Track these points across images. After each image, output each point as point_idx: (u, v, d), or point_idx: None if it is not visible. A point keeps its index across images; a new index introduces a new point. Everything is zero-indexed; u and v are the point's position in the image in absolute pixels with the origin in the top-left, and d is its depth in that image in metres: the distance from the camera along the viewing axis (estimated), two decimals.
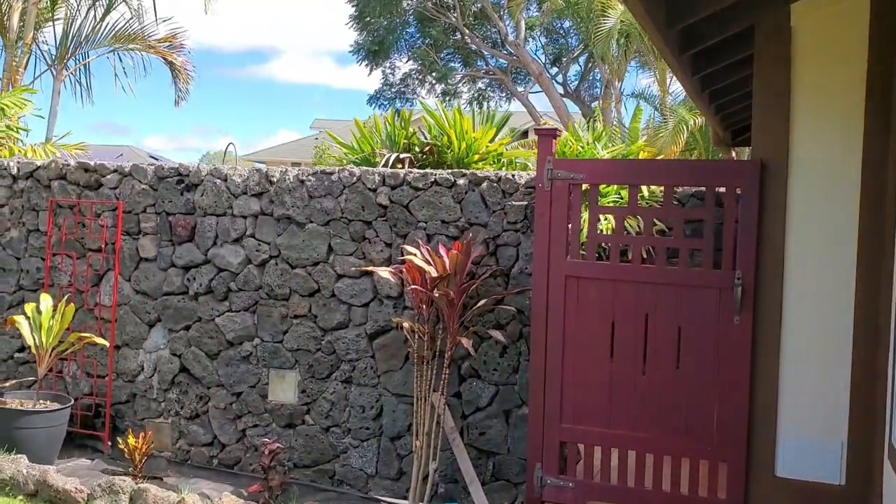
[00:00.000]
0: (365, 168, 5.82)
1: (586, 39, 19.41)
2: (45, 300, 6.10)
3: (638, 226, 5.24)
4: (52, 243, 6.59)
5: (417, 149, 6.44)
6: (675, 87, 16.62)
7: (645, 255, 5.06)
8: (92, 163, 6.58)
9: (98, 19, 11.17)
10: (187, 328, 6.31)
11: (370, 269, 5.33)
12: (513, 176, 5.49)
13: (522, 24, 24.04)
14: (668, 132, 11.56)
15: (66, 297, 6.18)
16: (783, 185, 4.56)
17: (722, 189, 4.89)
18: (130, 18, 11.50)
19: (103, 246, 6.45)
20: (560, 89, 25.24)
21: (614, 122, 12.62)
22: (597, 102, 23.22)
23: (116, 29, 11.37)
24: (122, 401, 6.46)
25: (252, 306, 6.13)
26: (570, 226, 5.04)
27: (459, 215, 5.57)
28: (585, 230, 5.10)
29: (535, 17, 25.94)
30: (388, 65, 26.79)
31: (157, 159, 34.39)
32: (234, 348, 6.17)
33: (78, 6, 11.05)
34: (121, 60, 11.52)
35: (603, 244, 5.22)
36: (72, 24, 11.17)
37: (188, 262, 6.28)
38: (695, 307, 4.87)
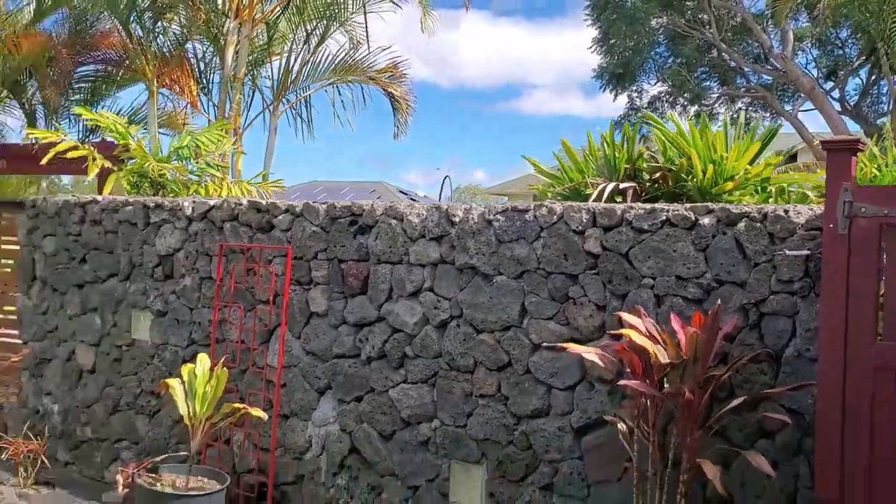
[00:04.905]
0: (568, 204, 4.32)
1: (875, 38, 16.27)
2: (203, 362, 5.26)
3: None
4: (222, 293, 5.80)
5: (646, 175, 4.82)
6: None
7: None
8: (263, 202, 5.73)
9: (311, 51, 10.77)
10: (359, 399, 5.17)
11: (568, 346, 3.81)
12: (786, 212, 3.71)
13: (790, 34, 21.10)
14: None
15: (222, 360, 5.31)
16: None
17: None
18: (350, 50, 10.97)
19: (272, 297, 5.54)
20: (837, 106, 21.84)
21: None
22: (885, 119, 19.66)
23: (336, 61, 10.91)
24: (289, 481, 5.45)
25: (430, 378, 4.86)
26: (882, 289, 3.22)
27: (703, 269, 3.90)
28: None
29: (806, 27, 22.76)
30: (634, 88, 24.86)
31: (406, 193, 34.97)
32: (410, 430, 4.93)
33: (294, 37, 10.73)
34: (339, 93, 11.02)
35: None
36: (289, 59, 10.89)
37: (360, 318, 5.16)
38: None
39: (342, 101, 10.95)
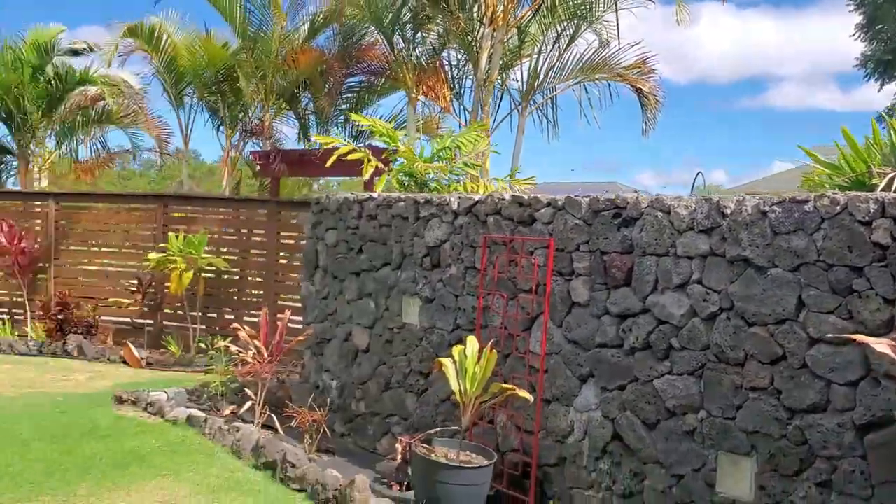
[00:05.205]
0: (853, 194, 4.17)
1: None
2: (472, 344, 5.66)
3: None
4: (486, 282, 6.18)
5: None
6: None
7: None
8: (525, 196, 6.03)
9: (561, 52, 11.01)
10: (622, 388, 5.30)
11: (856, 337, 3.69)
12: None
13: None
14: None
15: (490, 343, 5.66)
16: None
17: None
18: (598, 48, 11.10)
19: (534, 287, 5.82)
20: None
21: None
22: None
23: (583, 60, 11.08)
24: (551, 463, 5.70)
25: (697, 370, 4.88)
26: None
27: None
28: None
29: None
30: None
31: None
32: (675, 419, 4.98)
33: (544, 38, 11.03)
34: (586, 92, 11.18)
35: None
36: (538, 60, 11.19)
37: (623, 310, 5.29)
38: None
39: (588, 99, 11.10)
